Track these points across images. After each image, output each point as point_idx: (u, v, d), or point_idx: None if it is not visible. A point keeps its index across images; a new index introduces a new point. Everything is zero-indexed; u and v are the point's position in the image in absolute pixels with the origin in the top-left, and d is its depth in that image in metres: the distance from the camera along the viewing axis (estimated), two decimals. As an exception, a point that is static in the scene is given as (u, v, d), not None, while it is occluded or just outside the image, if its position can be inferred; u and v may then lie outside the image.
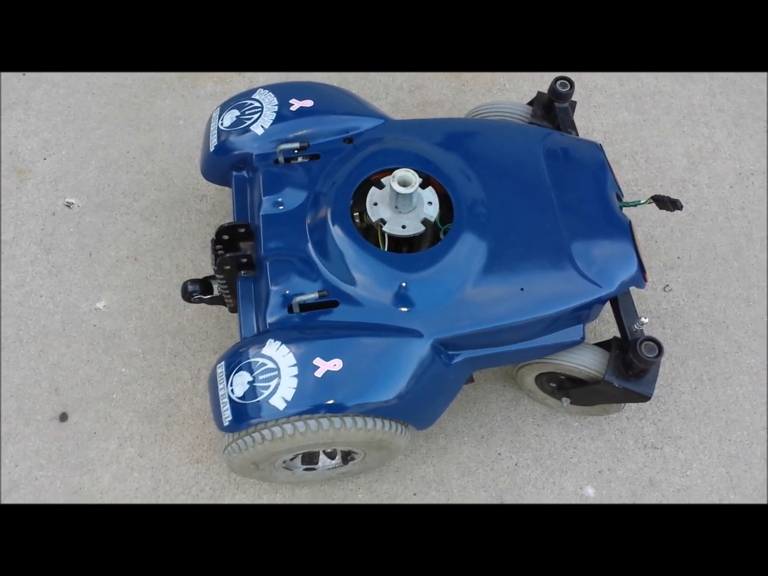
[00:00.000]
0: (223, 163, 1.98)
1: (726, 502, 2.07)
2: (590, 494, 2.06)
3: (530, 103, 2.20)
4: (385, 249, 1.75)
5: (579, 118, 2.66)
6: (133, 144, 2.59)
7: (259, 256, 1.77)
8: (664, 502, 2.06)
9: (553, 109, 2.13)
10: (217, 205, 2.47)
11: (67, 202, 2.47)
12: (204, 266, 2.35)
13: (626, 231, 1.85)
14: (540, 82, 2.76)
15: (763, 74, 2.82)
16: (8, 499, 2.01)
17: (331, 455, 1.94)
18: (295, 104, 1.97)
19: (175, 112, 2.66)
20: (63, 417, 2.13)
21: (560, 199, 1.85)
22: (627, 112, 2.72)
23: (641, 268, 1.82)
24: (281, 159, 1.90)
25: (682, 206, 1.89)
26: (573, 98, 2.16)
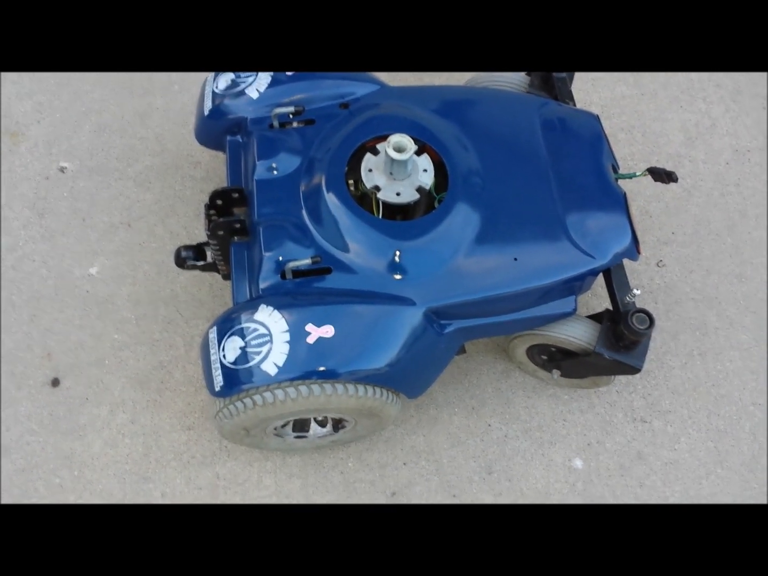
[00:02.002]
0: (217, 127, 1.96)
1: (713, 476, 2.09)
2: (578, 466, 2.08)
3: (528, 73, 2.18)
4: (380, 216, 1.74)
5: (577, 91, 2.62)
6: (127, 108, 2.56)
7: (252, 222, 1.77)
8: (652, 475, 2.08)
9: (550, 79, 2.11)
10: (211, 171, 2.45)
11: (61, 167, 2.45)
12: (198, 233, 2.34)
13: (621, 203, 1.84)
14: (539, 54, 2.73)
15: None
16: None
17: (322, 423, 1.94)
18: (290, 69, 1.95)
19: (169, 77, 2.63)
20: (55, 382, 2.13)
21: (556, 169, 1.84)
22: (625, 86, 2.70)
23: (635, 240, 1.81)
24: (276, 123, 1.88)
25: (677, 178, 1.88)
26: (571, 69, 2.14)
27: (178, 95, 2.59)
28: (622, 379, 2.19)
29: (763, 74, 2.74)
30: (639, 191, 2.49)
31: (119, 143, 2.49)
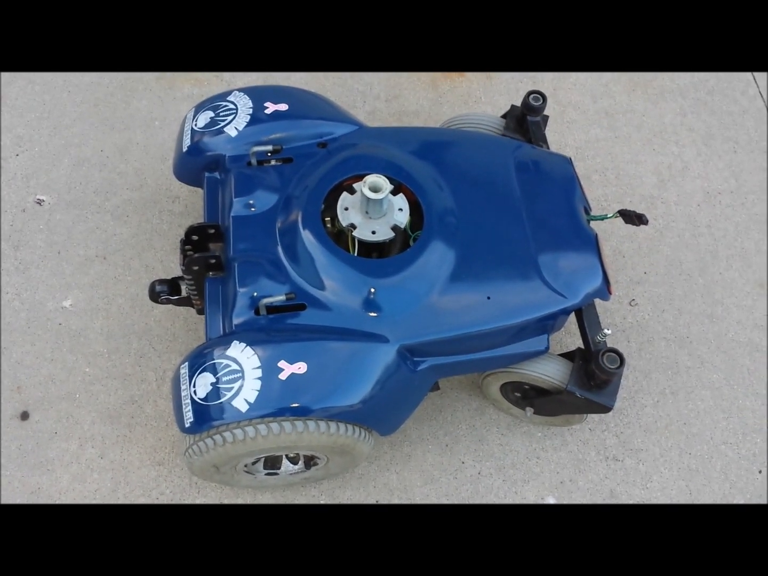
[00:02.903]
0: (195, 163, 1.98)
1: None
2: (551, 504, 2.07)
3: (504, 116, 2.23)
4: (355, 254, 1.76)
5: (552, 133, 2.69)
6: (107, 143, 2.58)
7: (227, 257, 1.77)
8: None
9: (525, 123, 2.16)
10: (190, 206, 2.46)
11: (38, 199, 2.45)
12: (174, 267, 2.34)
13: (592, 244, 1.88)
14: (515, 96, 2.79)
15: (734, 95, 2.88)
16: (-36, 498, 1.98)
17: (293, 460, 1.93)
18: (270, 107, 1.98)
19: (151, 113, 2.66)
20: (24, 416, 2.10)
21: (529, 210, 1.88)
22: (599, 129, 2.77)
23: (606, 280, 1.84)
24: (254, 161, 1.90)
25: (647, 221, 1.92)
26: (546, 113, 2.19)
27: (159, 131, 2.61)
28: (594, 417, 2.20)
29: (734, 119, 2.82)
30: (612, 231, 2.54)
31: (98, 177, 2.50)
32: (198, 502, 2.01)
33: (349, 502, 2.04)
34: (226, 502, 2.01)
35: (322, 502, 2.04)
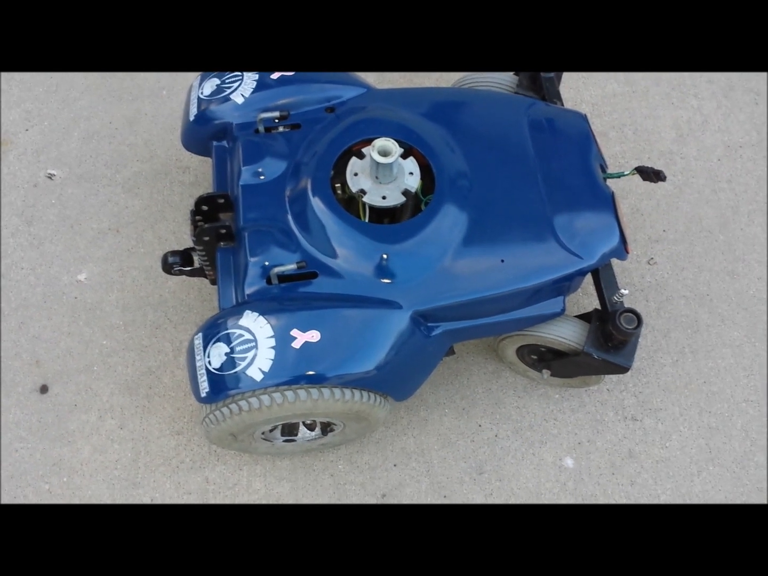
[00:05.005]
0: (203, 132, 1.96)
1: (705, 473, 2.08)
2: (569, 465, 2.07)
3: (516, 73, 2.17)
4: (366, 220, 1.74)
5: (567, 89, 2.63)
6: (115, 115, 2.56)
7: (238, 227, 1.76)
8: (643, 473, 2.08)
9: (539, 79, 2.10)
10: (200, 176, 2.45)
11: (49, 174, 2.44)
12: (186, 239, 2.33)
13: (609, 202, 1.84)
14: (528, 52, 2.72)
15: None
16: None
17: (310, 427, 1.94)
18: (276, 73, 1.94)
19: (158, 83, 2.63)
20: (43, 389, 2.12)
21: (544, 169, 1.83)
22: (616, 83, 2.70)
23: (623, 239, 1.81)
24: (261, 128, 1.87)
25: (665, 177, 1.87)
26: (559, 68, 2.13)
27: (167, 101, 2.58)
28: (612, 378, 2.18)
29: (756, 72, 2.73)
30: (630, 189, 2.48)
31: (108, 149, 2.49)
32: (217, 470, 2.03)
33: (366, 466, 2.05)
34: (245, 470, 2.03)
35: (340, 466, 2.05)
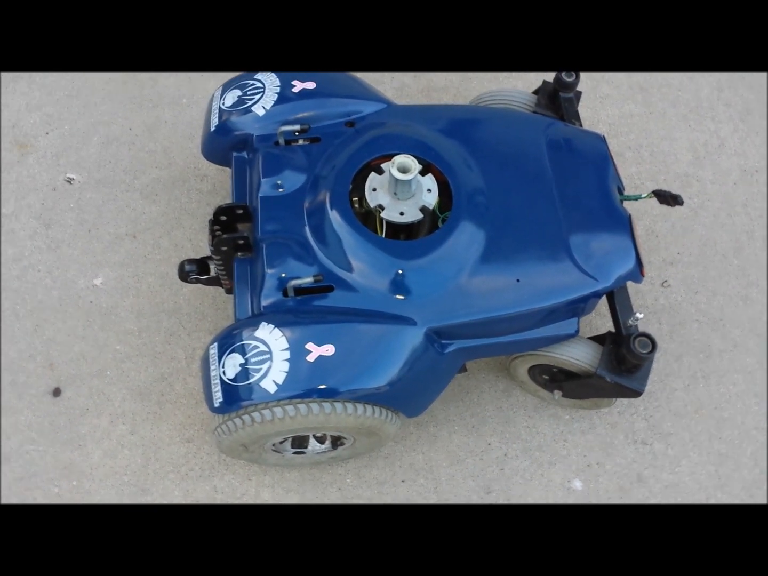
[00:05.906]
0: (223, 143, 1.97)
1: (713, 500, 2.07)
2: (578, 487, 2.07)
3: (535, 92, 2.18)
4: (383, 235, 1.75)
5: (585, 108, 2.63)
6: (135, 121, 2.58)
7: (256, 238, 1.77)
8: (651, 498, 2.07)
9: (557, 99, 2.11)
10: (218, 185, 2.46)
11: (68, 178, 2.46)
12: (202, 246, 2.35)
13: (626, 225, 1.84)
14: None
15: (773, 71, 2.79)
16: None
17: (320, 440, 1.94)
18: (298, 86, 1.96)
19: (179, 90, 2.65)
20: (56, 392, 2.13)
21: (561, 190, 1.84)
22: (633, 104, 2.70)
23: (639, 262, 1.81)
24: (282, 141, 1.89)
25: (683, 202, 1.87)
26: (579, 88, 2.14)
27: (187, 109, 2.60)
28: (623, 401, 2.18)
29: (773, 95, 2.73)
30: (646, 211, 2.48)
31: (127, 155, 2.51)
32: (226, 479, 2.03)
33: (375, 481, 2.05)
34: (253, 480, 2.04)
35: (348, 480, 2.05)
